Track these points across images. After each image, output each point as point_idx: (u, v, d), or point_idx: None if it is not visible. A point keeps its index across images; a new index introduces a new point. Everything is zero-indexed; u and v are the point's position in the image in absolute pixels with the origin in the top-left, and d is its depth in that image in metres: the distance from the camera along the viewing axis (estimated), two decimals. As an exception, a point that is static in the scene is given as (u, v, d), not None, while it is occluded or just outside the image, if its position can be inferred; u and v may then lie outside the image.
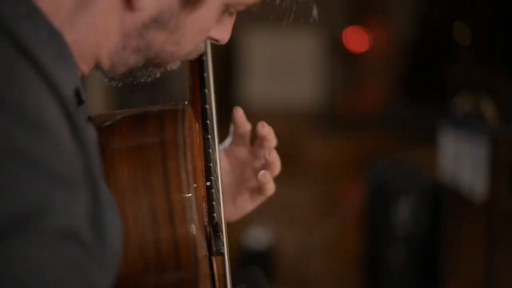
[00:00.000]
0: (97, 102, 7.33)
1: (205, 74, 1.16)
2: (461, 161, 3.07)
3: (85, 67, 0.95)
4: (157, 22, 0.94)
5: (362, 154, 5.96)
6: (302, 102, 7.31)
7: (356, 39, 7.47)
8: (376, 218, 3.53)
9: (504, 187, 2.82)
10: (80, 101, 0.93)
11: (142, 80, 1.02)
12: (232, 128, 1.23)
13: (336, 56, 7.60)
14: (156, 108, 1.02)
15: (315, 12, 1.05)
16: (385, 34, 7.59)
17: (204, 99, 1.14)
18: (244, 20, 7.26)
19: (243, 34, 7.23)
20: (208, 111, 1.13)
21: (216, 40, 1.06)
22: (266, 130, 1.20)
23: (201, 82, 1.15)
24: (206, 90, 1.15)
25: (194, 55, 1.04)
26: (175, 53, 0.98)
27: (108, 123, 0.99)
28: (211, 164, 1.08)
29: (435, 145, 3.41)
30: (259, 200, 1.24)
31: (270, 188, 1.20)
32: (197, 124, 1.10)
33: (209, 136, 1.10)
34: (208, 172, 1.07)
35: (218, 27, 1.03)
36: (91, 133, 0.88)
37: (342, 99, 7.81)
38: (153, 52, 0.97)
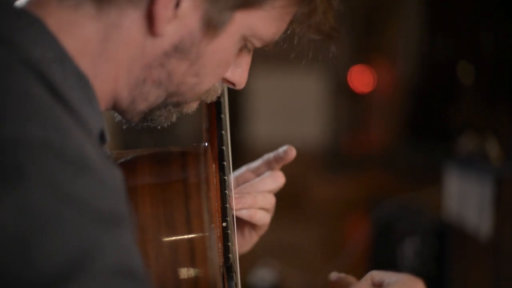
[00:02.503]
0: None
1: (222, 116, 1.17)
2: (466, 200, 3.07)
3: (102, 103, 0.95)
4: (178, 50, 0.94)
5: (367, 193, 5.95)
6: (307, 142, 7.32)
7: (361, 79, 7.50)
8: (381, 257, 3.52)
9: (509, 226, 2.82)
10: (103, 141, 0.95)
11: (159, 124, 1.02)
12: (268, 158, 1.24)
13: (340, 96, 7.63)
14: (178, 148, 1.03)
15: (333, 48, 1.08)
16: (390, 73, 7.62)
17: (221, 141, 1.15)
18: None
19: (248, 74, 7.27)
20: (225, 152, 1.14)
21: (233, 84, 1.06)
22: (293, 154, 1.24)
23: (218, 124, 1.17)
24: (223, 132, 1.16)
25: (211, 97, 1.05)
26: (194, 86, 0.99)
27: (130, 161, 1.00)
28: (227, 205, 1.09)
29: (440, 184, 3.41)
30: (259, 230, 1.24)
31: (259, 219, 1.19)
32: (213, 165, 1.10)
33: (225, 177, 1.11)
34: (224, 213, 1.08)
35: (235, 70, 1.04)
36: (118, 171, 0.90)
37: (347, 139, 7.82)
38: (174, 85, 0.97)
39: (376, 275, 1.00)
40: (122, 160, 1.00)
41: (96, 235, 0.76)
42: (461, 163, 3.24)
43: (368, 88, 7.54)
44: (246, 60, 1.05)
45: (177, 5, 0.91)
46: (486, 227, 2.88)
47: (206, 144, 1.09)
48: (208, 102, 1.12)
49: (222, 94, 1.20)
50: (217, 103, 1.18)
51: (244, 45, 1.00)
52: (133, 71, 0.94)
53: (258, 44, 1.01)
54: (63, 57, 0.88)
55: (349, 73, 7.52)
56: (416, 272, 3.33)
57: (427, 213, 3.54)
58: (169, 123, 1.03)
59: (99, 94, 0.93)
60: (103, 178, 0.80)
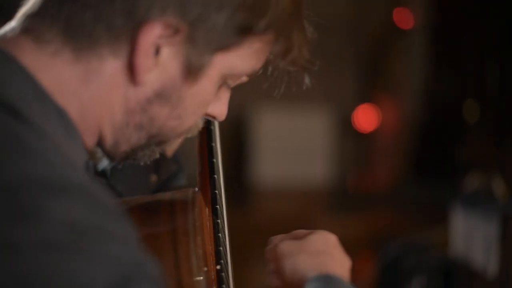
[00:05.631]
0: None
1: (214, 160, 1.19)
2: (473, 238, 3.06)
3: (89, 140, 0.96)
4: (160, 96, 0.94)
5: (374, 232, 5.93)
6: (313, 181, 7.32)
7: (366, 118, 7.52)
8: (388, 296, 3.51)
9: (516, 264, 2.81)
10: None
11: (143, 161, 1.02)
12: None
13: (346, 135, 7.64)
14: (167, 195, 1.04)
15: (307, 80, 1.07)
16: (395, 112, 7.64)
17: (213, 185, 1.16)
18: (253, 100, 7.23)
19: (253, 114, 7.29)
20: (218, 196, 1.15)
21: (214, 117, 1.06)
22: None
23: (211, 168, 1.18)
24: (216, 176, 1.17)
25: (193, 132, 1.05)
26: (176, 127, 0.99)
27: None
28: (221, 248, 1.09)
29: (446, 222, 3.41)
30: None
31: None
32: (207, 209, 1.11)
33: (218, 220, 1.12)
34: (218, 256, 1.08)
35: (215, 103, 1.04)
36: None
37: (353, 177, 7.82)
38: (156, 128, 0.97)
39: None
40: None
41: (137, 254, 0.79)
42: (467, 201, 3.24)
43: (374, 126, 7.55)
44: (225, 93, 1.05)
45: (157, 52, 0.91)
46: (493, 265, 2.87)
47: (197, 189, 1.10)
48: (200, 146, 1.14)
49: (214, 139, 1.21)
50: (209, 148, 1.20)
51: (224, 83, 1.01)
52: (116, 114, 0.94)
53: (237, 80, 1.02)
54: (41, 95, 0.88)
55: (354, 112, 7.55)
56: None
57: (434, 251, 3.53)
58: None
59: (85, 132, 0.93)
60: (107, 202, 0.81)
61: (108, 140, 0.96)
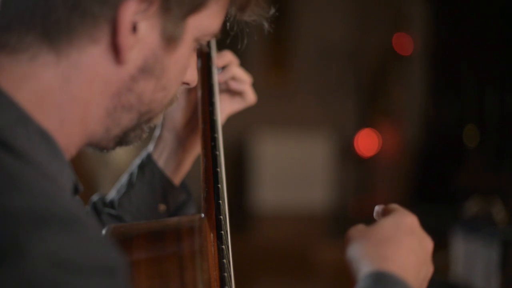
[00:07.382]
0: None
1: (219, 186, 1.19)
2: (473, 263, 3.06)
3: (75, 144, 0.95)
4: (144, 71, 0.95)
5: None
6: (314, 206, 7.32)
7: (367, 143, 7.53)
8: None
9: (517, 289, 2.81)
10: (76, 191, 0.96)
11: (133, 143, 1.02)
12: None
13: (347, 160, 7.65)
14: (174, 220, 1.05)
15: (266, 26, 1.11)
16: (395, 137, 7.65)
17: (218, 210, 1.16)
18: (254, 125, 7.22)
19: (253, 139, 7.30)
20: (222, 222, 1.15)
21: (187, 84, 1.08)
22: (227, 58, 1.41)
23: (216, 193, 1.18)
24: (221, 201, 1.17)
25: (174, 103, 1.05)
26: (162, 99, 1.00)
27: (127, 234, 1.01)
28: (226, 274, 1.10)
29: (447, 247, 3.41)
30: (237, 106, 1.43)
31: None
32: (211, 234, 1.12)
33: (223, 246, 1.12)
34: (223, 282, 1.09)
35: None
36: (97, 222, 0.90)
37: (353, 203, 7.82)
38: (145, 105, 0.98)
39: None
40: (119, 233, 1.01)
41: None
42: (467, 226, 3.24)
43: (374, 151, 7.56)
44: (193, 58, 1.07)
45: (135, 29, 0.92)
46: (493, 290, 2.87)
47: (203, 215, 1.11)
48: (204, 171, 1.15)
49: (219, 164, 1.22)
50: (214, 173, 1.20)
51: (196, 46, 1.02)
52: (101, 104, 0.94)
53: (208, 39, 1.04)
54: (23, 118, 0.88)
55: (355, 137, 7.56)
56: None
57: (434, 277, 3.51)
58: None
59: (69, 139, 0.93)
60: (91, 231, 0.81)
61: (98, 132, 0.96)
